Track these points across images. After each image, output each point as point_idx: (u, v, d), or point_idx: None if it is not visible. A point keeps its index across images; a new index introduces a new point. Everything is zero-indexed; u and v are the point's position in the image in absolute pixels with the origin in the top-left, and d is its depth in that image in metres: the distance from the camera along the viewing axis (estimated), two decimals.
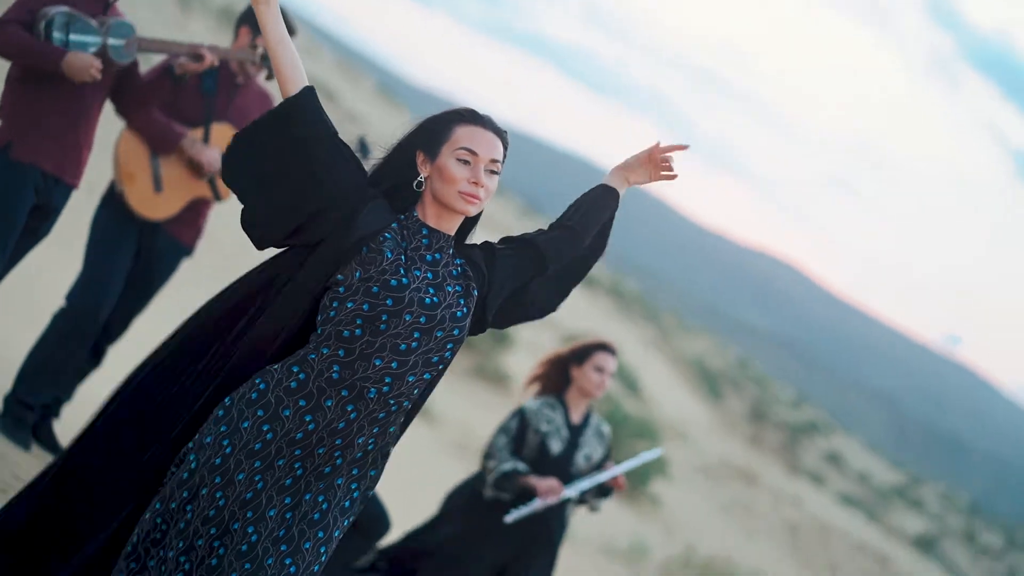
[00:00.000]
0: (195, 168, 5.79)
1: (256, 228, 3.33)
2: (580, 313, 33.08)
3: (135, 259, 5.82)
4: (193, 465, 3.25)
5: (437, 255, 3.36)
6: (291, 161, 3.29)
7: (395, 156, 3.42)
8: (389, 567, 6.00)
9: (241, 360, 3.31)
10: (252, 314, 3.33)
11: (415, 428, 13.12)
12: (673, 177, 3.70)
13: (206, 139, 5.84)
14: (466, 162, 3.33)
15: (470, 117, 3.39)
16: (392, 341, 3.25)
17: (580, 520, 12.13)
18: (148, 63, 10.08)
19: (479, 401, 18.34)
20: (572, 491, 5.85)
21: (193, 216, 5.92)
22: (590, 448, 6.06)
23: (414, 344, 3.27)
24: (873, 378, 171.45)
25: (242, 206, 3.34)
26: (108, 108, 5.40)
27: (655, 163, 3.68)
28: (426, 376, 3.34)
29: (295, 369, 3.26)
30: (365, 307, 3.24)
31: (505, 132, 3.43)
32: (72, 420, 6.36)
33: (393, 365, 3.26)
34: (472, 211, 3.35)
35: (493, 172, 3.37)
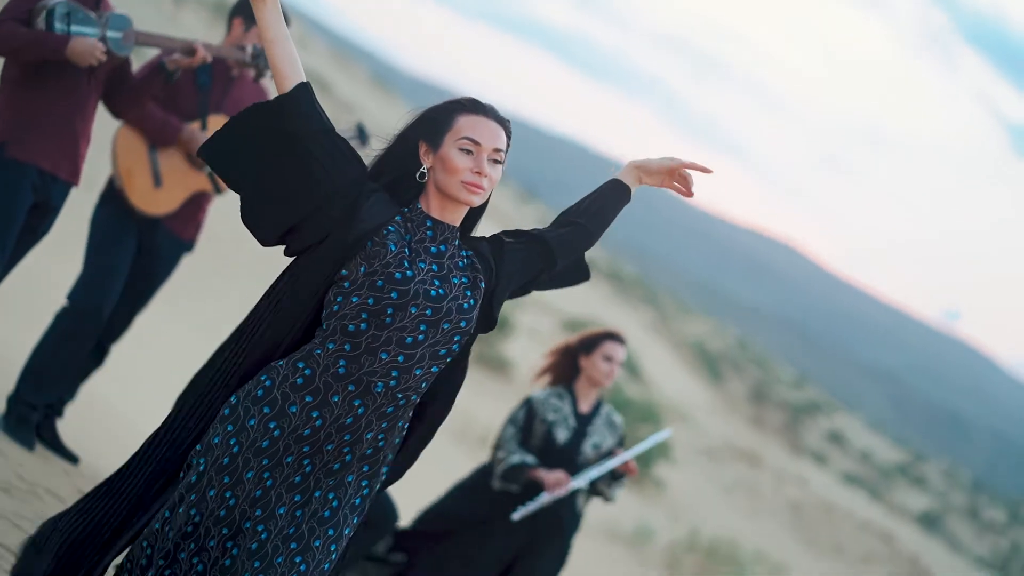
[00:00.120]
0: (194, 161, 5.77)
1: (255, 225, 3.30)
2: (579, 298, 33.09)
3: (136, 256, 5.79)
4: (201, 467, 3.22)
5: (442, 247, 3.33)
6: (286, 158, 3.26)
7: (397, 147, 3.37)
8: (407, 556, 5.98)
9: (252, 361, 3.29)
10: (263, 316, 3.31)
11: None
12: (689, 195, 3.65)
13: (203, 131, 5.81)
14: (469, 152, 3.29)
15: (472, 106, 3.34)
16: (398, 334, 3.22)
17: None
18: (141, 58, 10.05)
19: (479, 388, 18.35)
20: (580, 481, 5.82)
21: (193, 211, 5.89)
22: (599, 437, 6.03)
23: (420, 337, 3.24)
24: (873, 356, 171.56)
25: (241, 202, 3.31)
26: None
27: (673, 176, 3.62)
28: (433, 369, 3.30)
29: (300, 365, 3.24)
30: (370, 301, 3.21)
31: (508, 121, 3.39)
32: (75, 419, 6.35)
33: (400, 359, 3.24)
34: (476, 201, 3.31)
35: (496, 161, 3.33)
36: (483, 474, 6.07)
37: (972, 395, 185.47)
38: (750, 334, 78.81)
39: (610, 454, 6.00)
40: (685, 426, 28.01)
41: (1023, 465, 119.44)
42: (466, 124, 3.31)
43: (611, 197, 3.62)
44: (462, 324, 3.29)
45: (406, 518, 6.22)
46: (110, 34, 4.83)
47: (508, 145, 3.36)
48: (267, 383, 3.24)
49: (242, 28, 5.78)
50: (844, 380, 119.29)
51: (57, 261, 7.99)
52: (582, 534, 6.49)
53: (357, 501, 3.32)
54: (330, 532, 3.26)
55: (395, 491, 6.32)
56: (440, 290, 3.26)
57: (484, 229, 3.52)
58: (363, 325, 3.21)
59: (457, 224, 3.36)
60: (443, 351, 3.29)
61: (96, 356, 5.92)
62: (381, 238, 3.25)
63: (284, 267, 3.37)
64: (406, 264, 3.24)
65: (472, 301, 3.32)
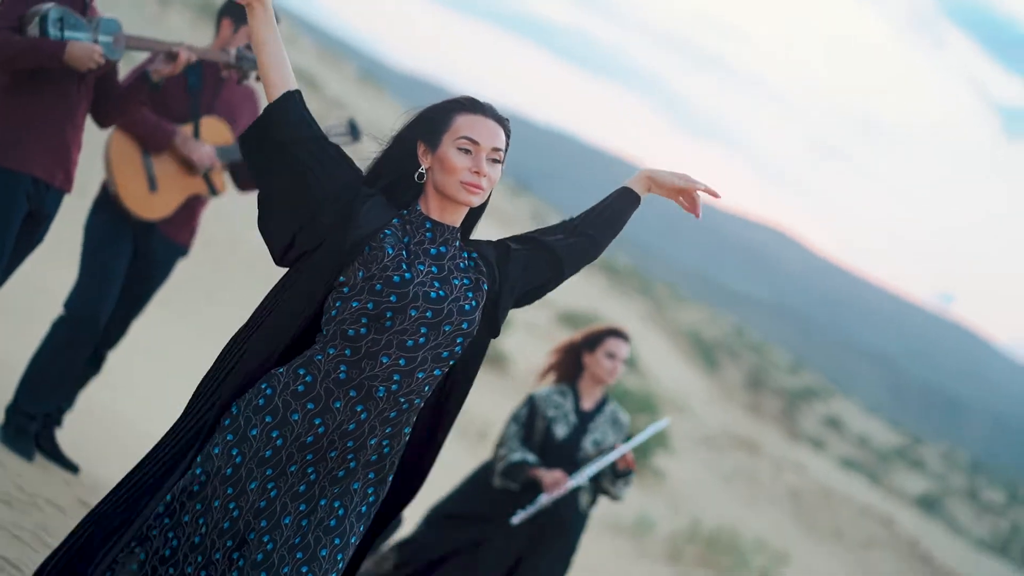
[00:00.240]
0: (188, 165, 5.76)
1: (267, 239, 3.30)
2: (575, 291, 33.07)
3: (131, 261, 5.77)
4: (203, 478, 3.19)
5: (442, 248, 3.30)
6: (280, 167, 3.25)
7: (395, 148, 3.34)
8: (413, 570, 5.98)
9: (247, 370, 3.25)
10: (257, 324, 3.28)
11: None
12: (696, 215, 3.61)
13: (196, 134, 5.78)
14: (467, 151, 3.26)
15: (471, 106, 3.31)
16: (399, 338, 3.20)
17: None
18: (130, 62, 10.03)
19: (477, 382, 18.25)
20: (578, 480, 5.79)
21: (187, 215, 5.87)
22: (600, 434, 6.01)
23: (421, 340, 3.22)
24: (869, 340, 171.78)
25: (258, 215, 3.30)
26: None
27: (683, 194, 3.58)
28: (436, 372, 3.27)
29: (301, 372, 3.21)
30: (369, 305, 3.19)
31: (507, 120, 3.36)
32: (74, 428, 6.33)
33: (401, 362, 3.21)
34: (475, 201, 3.28)
35: (495, 161, 3.29)
36: (484, 472, 6.06)
37: (968, 377, 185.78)
38: (746, 322, 78.83)
39: (609, 450, 5.97)
40: (683, 416, 28.01)
41: (1021, 445, 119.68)
42: (464, 123, 3.28)
43: (620, 205, 3.58)
44: (464, 326, 3.26)
45: (406, 518, 6.20)
46: (101, 38, 4.81)
47: (507, 144, 3.33)
48: (268, 391, 3.21)
49: (231, 29, 5.76)
50: (840, 365, 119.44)
51: (52, 268, 7.97)
52: None
53: (363, 509, 3.29)
54: (336, 541, 3.22)
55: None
56: (440, 292, 3.24)
57: (482, 225, 3.50)
58: (363, 329, 3.19)
59: (457, 225, 3.33)
60: (445, 353, 3.26)
61: (93, 363, 5.90)
62: (378, 242, 3.22)
63: (281, 271, 3.36)
64: (404, 267, 3.21)
65: (474, 303, 3.28)
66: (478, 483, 6.06)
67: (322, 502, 3.24)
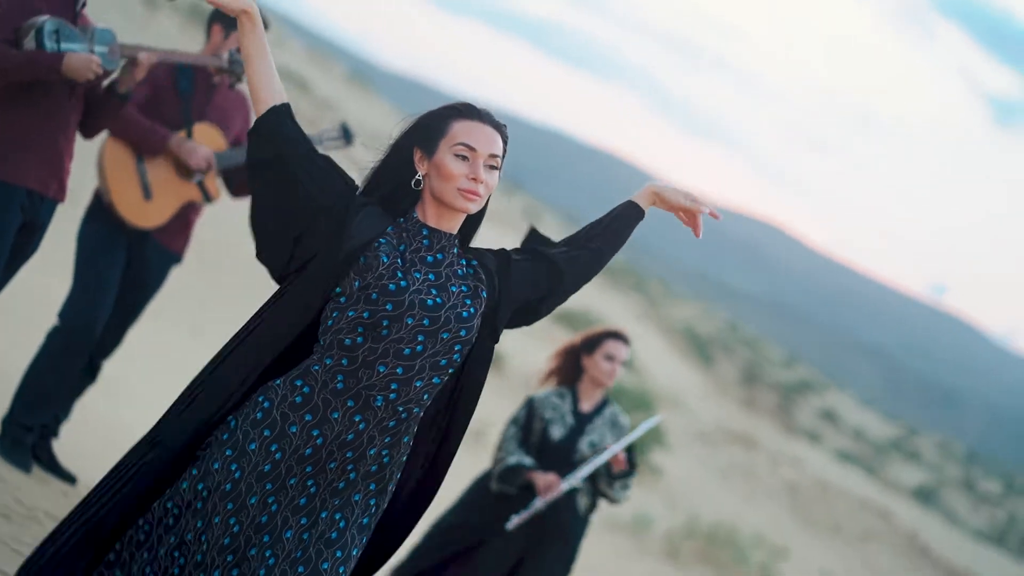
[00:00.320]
0: (183, 171, 5.73)
1: (264, 259, 3.28)
2: None
3: (125, 270, 5.75)
4: (204, 494, 3.16)
5: (439, 255, 3.27)
6: (272, 183, 3.23)
7: (392, 156, 3.31)
8: None
9: (238, 380, 3.22)
10: (247, 335, 3.25)
11: None
12: (696, 234, 3.61)
13: (189, 138, 5.76)
14: (464, 158, 3.22)
15: (467, 112, 3.28)
16: (395, 346, 3.17)
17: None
18: None
19: None
20: (572, 481, 5.78)
21: (181, 223, 5.85)
22: (598, 436, 5.99)
23: (419, 348, 3.18)
24: (862, 332, 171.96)
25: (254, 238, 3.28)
26: None
27: (684, 211, 3.57)
28: (435, 380, 3.23)
29: (299, 383, 3.19)
30: (365, 314, 3.16)
31: (504, 126, 3.32)
32: (71, 438, 6.31)
33: (398, 371, 3.18)
34: (472, 208, 3.25)
35: (493, 167, 3.26)
36: (484, 480, 6.05)
37: (962, 367, 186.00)
38: (739, 317, 78.89)
39: (603, 451, 5.96)
40: (678, 412, 28.02)
41: (1016, 435, 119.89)
42: (461, 130, 3.25)
43: (624, 219, 3.56)
44: (462, 333, 3.23)
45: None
46: (97, 49, 4.78)
47: (505, 150, 3.30)
48: (265, 404, 3.18)
49: (221, 35, 5.74)
50: (834, 358, 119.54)
51: (43, 276, 7.94)
52: None
53: (365, 520, 3.26)
54: (338, 554, 3.19)
55: None
56: (437, 299, 3.21)
57: (501, 247, 3.47)
58: (359, 339, 3.16)
59: (454, 231, 3.30)
60: (443, 361, 3.23)
61: (89, 373, 5.88)
62: (373, 251, 3.19)
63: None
64: (399, 275, 3.19)
65: (472, 310, 3.25)
66: (478, 492, 6.04)
67: (323, 514, 3.20)
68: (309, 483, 3.20)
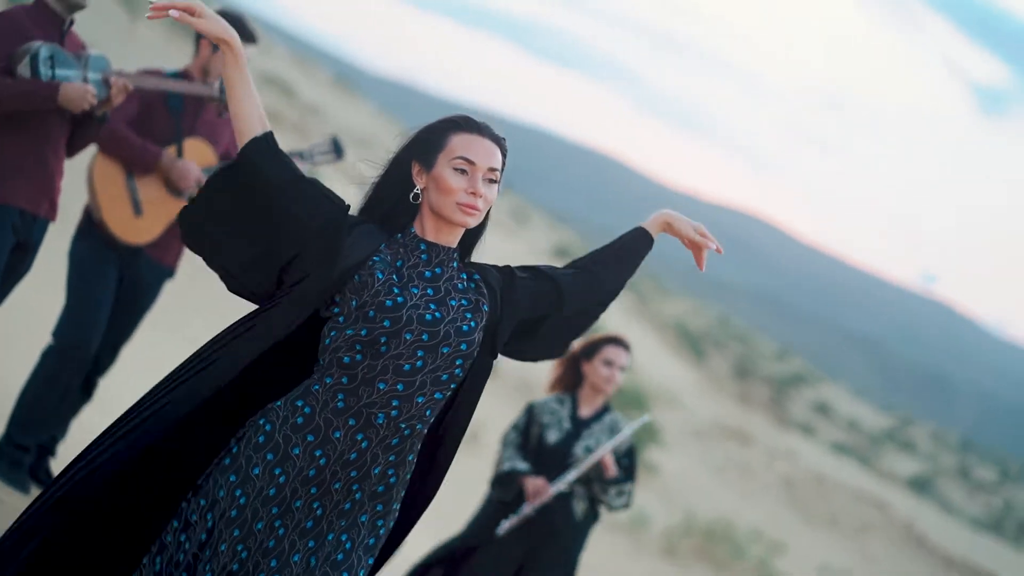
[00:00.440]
0: (173, 187, 5.69)
1: (243, 286, 3.22)
2: None
3: (118, 287, 5.71)
4: (209, 524, 3.12)
5: (437, 269, 3.23)
6: (257, 212, 3.18)
7: (391, 171, 3.27)
8: None
9: (232, 399, 3.19)
10: (222, 345, 3.20)
11: None
12: (699, 267, 3.62)
13: (179, 156, 5.72)
14: (463, 172, 3.19)
15: (466, 125, 3.24)
16: (394, 362, 3.13)
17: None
18: None
19: None
20: (559, 485, 5.78)
21: (173, 237, 5.81)
22: (594, 441, 5.98)
23: (419, 364, 3.14)
24: (853, 323, 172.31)
25: (223, 274, 3.22)
26: None
27: (692, 244, 3.58)
28: (437, 396, 3.19)
29: (300, 403, 3.15)
30: (363, 332, 3.12)
31: (503, 139, 3.29)
32: (69, 457, 6.25)
33: (399, 387, 3.14)
34: (471, 223, 3.21)
35: (492, 181, 3.23)
36: (488, 495, 6.08)
37: (954, 356, 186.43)
38: (730, 311, 78.98)
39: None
40: (672, 409, 28.01)
41: (1009, 422, 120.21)
42: (460, 143, 3.21)
43: (633, 246, 3.55)
44: (462, 347, 3.19)
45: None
46: (90, 76, 4.76)
47: (504, 163, 3.26)
48: (267, 427, 3.14)
49: (209, 48, 5.71)
50: (826, 350, 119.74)
51: (37, 295, 7.88)
52: None
53: (371, 541, 3.23)
54: (344, 575, 3.17)
55: None
56: (436, 314, 3.17)
57: (506, 264, 3.43)
58: (358, 356, 3.13)
59: (453, 245, 3.27)
60: (445, 376, 3.19)
61: (85, 391, 5.84)
62: (368, 269, 3.15)
63: None
64: (396, 291, 3.15)
65: (473, 323, 3.21)
66: (487, 502, 6.06)
67: (329, 536, 3.17)
68: (315, 505, 3.16)
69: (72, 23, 4.82)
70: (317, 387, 3.15)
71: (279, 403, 3.16)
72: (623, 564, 15.86)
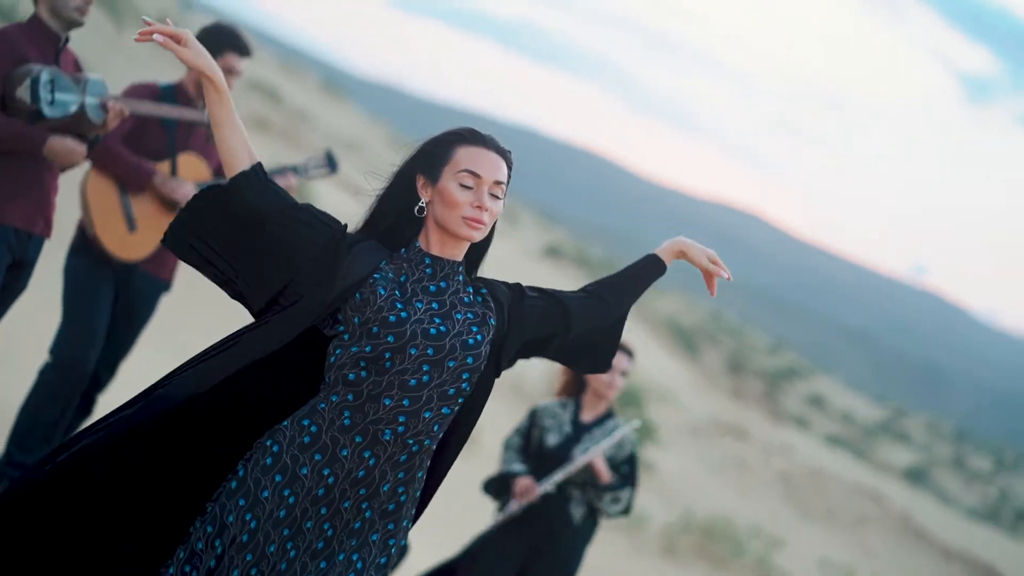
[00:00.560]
0: (167, 202, 5.66)
1: (238, 295, 3.20)
2: (548, 284, 33.01)
3: (114, 302, 5.68)
4: (220, 550, 3.07)
5: (442, 283, 3.20)
6: (250, 240, 3.14)
7: (395, 184, 3.24)
8: None
9: (231, 416, 3.16)
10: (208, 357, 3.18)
11: None
12: (711, 293, 3.62)
13: (173, 171, 5.71)
14: (468, 186, 3.16)
15: (472, 138, 3.20)
16: (400, 378, 3.09)
17: None
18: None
19: None
20: (546, 486, 5.80)
21: (168, 252, 5.77)
22: (593, 445, 5.97)
23: (425, 378, 3.11)
24: (845, 316, 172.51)
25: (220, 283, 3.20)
26: None
27: (704, 271, 3.58)
28: (444, 411, 3.16)
29: (306, 422, 3.12)
30: (367, 349, 3.09)
31: (509, 152, 3.26)
32: None
33: (404, 403, 3.10)
34: (476, 237, 3.18)
35: (496, 195, 3.20)
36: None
37: (946, 346, 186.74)
38: (722, 306, 79.01)
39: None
40: (667, 405, 27.97)
41: (1003, 411, 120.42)
42: (465, 156, 3.18)
43: (644, 273, 3.54)
44: (469, 360, 3.15)
45: (412, 544, 6.16)
46: (88, 100, 4.73)
47: (509, 177, 3.23)
48: (275, 449, 3.11)
49: None
50: (819, 342, 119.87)
51: (34, 313, 7.84)
52: None
53: (383, 560, 3.20)
54: None
55: None
56: (441, 328, 3.13)
57: (516, 282, 3.39)
58: (363, 373, 3.09)
59: (459, 259, 3.23)
60: (452, 390, 3.15)
61: (84, 408, 5.81)
62: (369, 287, 3.12)
63: None
64: (399, 306, 3.12)
65: (479, 336, 3.18)
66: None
67: (340, 556, 3.14)
68: (325, 526, 3.13)
69: (67, 40, 4.78)
70: (323, 405, 3.11)
71: (285, 423, 3.13)
72: (622, 564, 15.82)
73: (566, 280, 38.28)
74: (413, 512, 3.24)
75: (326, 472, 3.10)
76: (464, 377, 3.16)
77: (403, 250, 3.21)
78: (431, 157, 3.20)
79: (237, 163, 3.16)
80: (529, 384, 19.80)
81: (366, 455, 3.11)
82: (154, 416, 3.12)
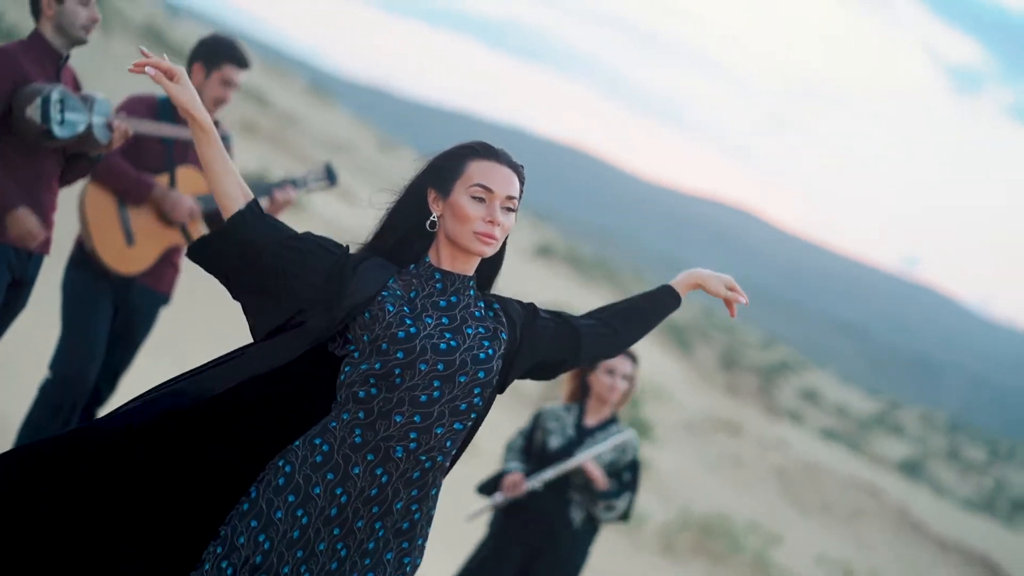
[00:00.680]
0: (165, 216, 5.62)
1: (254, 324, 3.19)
2: (540, 284, 33.04)
3: (113, 316, 5.66)
4: (229, 572, 3.03)
5: (453, 298, 3.17)
6: (252, 278, 3.13)
7: (406, 198, 3.21)
8: None
9: (237, 427, 3.13)
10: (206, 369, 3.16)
11: None
12: (732, 314, 3.62)
13: (172, 184, 5.68)
14: (481, 199, 3.12)
15: (484, 152, 3.17)
16: (410, 394, 3.06)
17: None
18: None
19: None
20: (534, 483, 5.82)
21: (167, 264, 5.76)
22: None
23: (435, 394, 3.08)
24: (837, 309, 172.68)
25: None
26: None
27: (722, 298, 3.58)
28: (456, 426, 3.13)
29: (317, 441, 3.09)
30: (377, 366, 3.06)
31: (521, 166, 3.23)
32: None
33: (416, 419, 3.07)
34: (488, 252, 3.14)
35: (509, 209, 3.16)
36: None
37: (939, 338, 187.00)
38: (714, 302, 79.11)
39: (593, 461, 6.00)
40: (662, 403, 27.96)
41: (997, 402, 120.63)
42: (478, 170, 3.14)
43: (659, 305, 3.51)
44: (480, 375, 3.12)
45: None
46: (95, 119, 4.70)
47: (521, 191, 3.19)
48: (287, 469, 3.08)
49: (203, 74, 5.65)
50: (811, 336, 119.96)
51: (34, 328, 7.82)
52: None
53: None
54: None
55: None
56: (451, 343, 3.10)
57: (531, 302, 3.37)
58: (373, 390, 3.07)
59: (469, 273, 3.20)
60: (463, 406, 3.12)
61: (85, 422, 5.76)
62: (377, 304, 3.09)
63: None
64: (408, 322, 3.09)
65: (491, 351, 3.15)
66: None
67: None
68: (339, 546, 3.10)
69: (68, 58, 4.75)
70: (334, 424, 3.09)
71: (297, 443, 3.11)
72: (621, 562, 15.81)
73: (557, 279, 38.28)
74: (428, 531, 3.21)
75: (339, 491, 3.07)
76: (475, 392, 3.13)
77: (412, 266, 3.19)
78: (443, 171, 3.16)
79: (231, 204, 3.13)
80: (529, 388, 19.80)
81: (378, 472, 3.08)
82: (154, 419, 3.10)
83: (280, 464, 3.09)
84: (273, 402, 3.18)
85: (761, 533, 19.84)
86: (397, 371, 3.05)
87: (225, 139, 5.72)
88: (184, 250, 5.82)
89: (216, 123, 5.75)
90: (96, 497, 3.10)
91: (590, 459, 5.86)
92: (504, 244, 3.23)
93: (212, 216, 5.80)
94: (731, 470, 26.52)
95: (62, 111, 4.58)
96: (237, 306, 3.21)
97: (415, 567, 3.18)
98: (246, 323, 3.22)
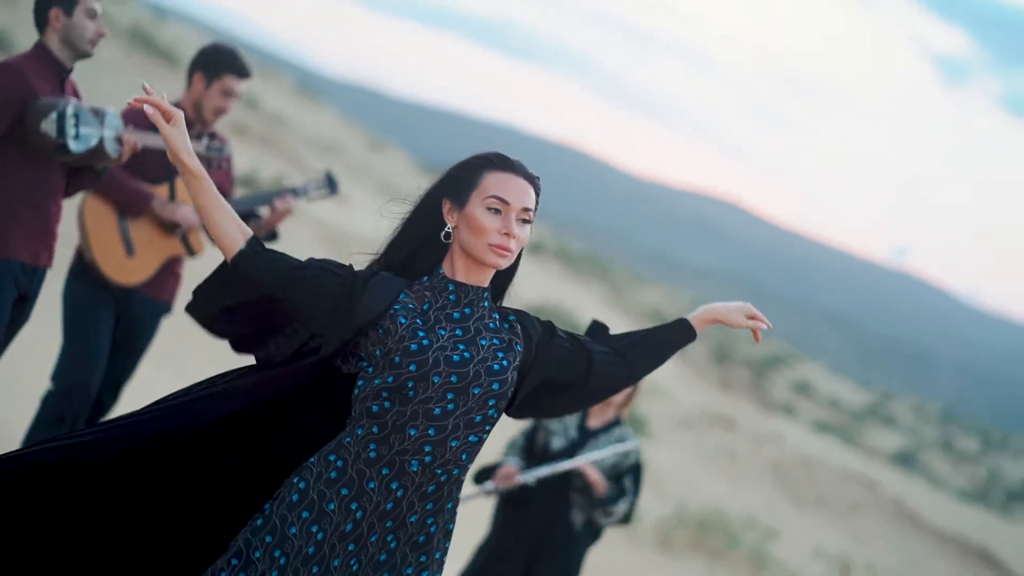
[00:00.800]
0: (166, 226, 5.60)
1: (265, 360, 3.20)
2: (531, 281, 32.99)
3: (115, 326, 5.64)
4: None
5: (467, 310, 3.14)
6: (261, 313, 3.14)
7: (421, 209, 3.18)
8: None
9: (251, 448, 3.13)
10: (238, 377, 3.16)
11: None
12: (756, 340, 3.57)
13: (172, 195, 5.67)
14: (497, 211, 3.09)
15: (500, 163, 3.14)
16: (424, 407, 3.04)
17: None
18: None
19: None
20: (527, 477, 5.83)
21: (167, 273, 5.73)
22: (597, 451, 5.95)
23: (450, 407, 3.05)
24: (828, 301, 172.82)
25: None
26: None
27: (745, 327, 3.53)
28: (471, 439, 3.10)
29: (332, 458, 3.07)
30: (390, 379, 3.04)
31: (537, 178, 3.20)
32: None
33: (430, 432, 3.05)
34: (503, 264, 3.12)
35: (525, 221, 3.13)
36: (500, 500, 6.16)
37: (930, 328, 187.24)
38: (704, 295, 79.08)
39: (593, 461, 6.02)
40: (656, 399, 27.95)
41: (989, 391, 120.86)
42: (493, 182, 3.12)
43: (673, 339, 3.44)
44: (495, 386, 3.09)
45: None
46: (106, 133, 4.68)
47: (537, 203, 3.17)
48: (301, 485, 3.06)
49: (203, 84, 5.63)
50: (803, 329, 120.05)
51: (38, 340, 7.80)
52: None
53: None
54: None
55: None
56: (465, 354, 3.08)
57: (548, 320, 3.35)
58: (386, 403, 3.04)
59: (484, 285, 3.17)
60: (478, 418, 3.09)
61: None
62: (390, 318, 3.07)
63: None
64: (421, 334, 3.07)
65: (505, 362, 3.12)
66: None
67: None
68: (352, 562, 3.07)
69: (71, 71, 4.73)
70: (348, 439, 3.07)
71: (312, 459, 3.09)
72: (618, 560, 15.80)
73: (548, 275, 38.26)
74: (447, 545, 3.18)
75: (354, 507, 3.05)
76: (490, 404, 3.10)
77: (425, 278, 3.17)
78: (458, 182, 3.14)
79: (231, 244, 3.11)
80: None
81: (393, 487, 3.06)
82: (163, 431, 3.10)
83: (295, 481, 3.07)
84: (289, 419, 3.17)
85: (758, 528, 19.84)
86: (410, 384, 3.03)
87: (223, 146, 5.70)
88: (184, 259, 5.81)
89: (213, 134, 5.74)
90: (98, 501, 3.10)
91: (589, 463, 5.85)
92: (519, 256, 3.20)
93: None
94: (726, 465, 26.53)
95: (76, 125, 4.57)
96: None
97: None
98: None
